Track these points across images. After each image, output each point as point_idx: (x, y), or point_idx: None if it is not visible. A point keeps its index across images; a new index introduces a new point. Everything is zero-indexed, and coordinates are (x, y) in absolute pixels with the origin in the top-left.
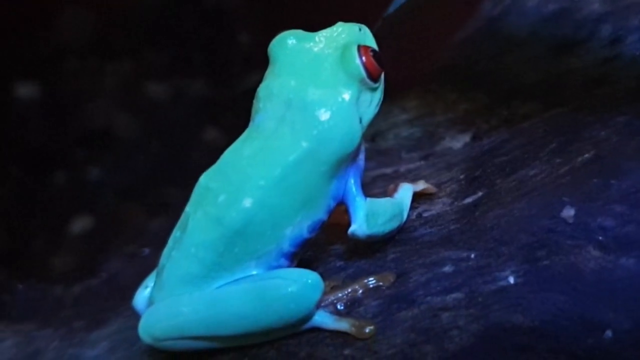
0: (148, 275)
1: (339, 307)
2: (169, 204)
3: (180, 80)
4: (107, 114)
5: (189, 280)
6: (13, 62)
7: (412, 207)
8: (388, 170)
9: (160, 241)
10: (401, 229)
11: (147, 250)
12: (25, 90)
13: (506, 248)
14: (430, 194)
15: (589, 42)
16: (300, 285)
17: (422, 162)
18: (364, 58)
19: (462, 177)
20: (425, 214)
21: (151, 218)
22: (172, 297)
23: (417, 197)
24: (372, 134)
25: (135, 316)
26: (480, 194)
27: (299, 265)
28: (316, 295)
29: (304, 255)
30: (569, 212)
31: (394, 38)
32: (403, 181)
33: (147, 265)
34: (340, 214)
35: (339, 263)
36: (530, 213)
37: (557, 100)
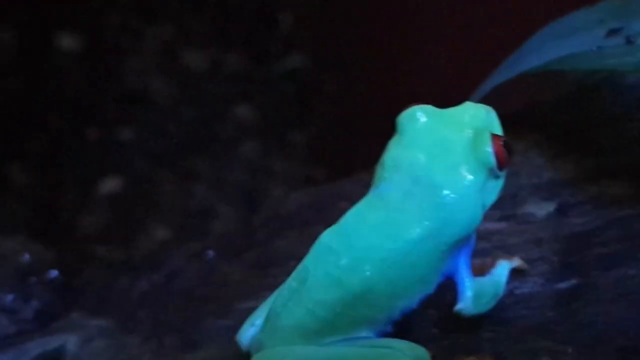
0: (254, 310)
1: None
2: (198, 174)
3: (218, 52)
4: (144, 76)
5: (302, 333)
6: (59, 11)
7: None
8: None
9: (219, 244)
10: (495, 306)
11: (211, 253)
12: (68, 41)
13: (603, 348)
14: (522, 270)
15: None
16: (409, 357)
17: (504, 224)
18: (495, 147)
19: (555, 258)
20: (517, 292)
21: (181, 187)
22: (284, 347)
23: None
24: None
25: (232, 346)
26: (574, 282)
27: (395, 328)
28: None
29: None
30: None
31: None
32: (500, 257)
33: (211, 269)
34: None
35: (434, 331)
36: (630, 316)
37: None
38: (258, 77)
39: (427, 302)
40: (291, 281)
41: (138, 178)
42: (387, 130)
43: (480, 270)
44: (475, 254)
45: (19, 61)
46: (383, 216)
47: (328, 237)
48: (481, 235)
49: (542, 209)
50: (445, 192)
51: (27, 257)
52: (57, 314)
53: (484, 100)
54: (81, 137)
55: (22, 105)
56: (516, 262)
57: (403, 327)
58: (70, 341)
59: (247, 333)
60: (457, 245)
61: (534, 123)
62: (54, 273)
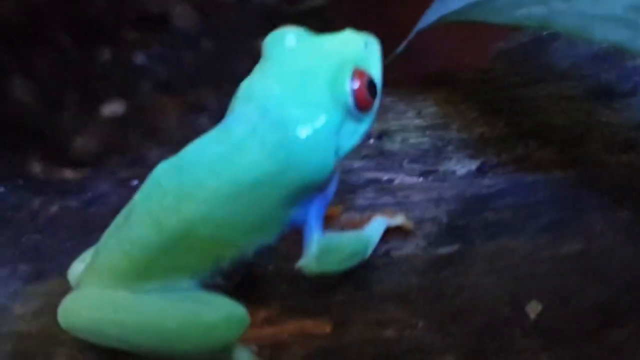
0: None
1: (263, 348)
2: (205, 107)
3: None
4: (166, 1)
5: (118, 274)
6: None
7: (383, 240)
8: (384, 177)
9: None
10: (364, 264)
11: (136, 182)
12: None
13: (457, 327)
14: (407, 231)
15: (632, 96)
16: (223, 318)
17: (420, 179)
18: (356, 85)
19: (445, 220)
20: (393, 253)
21: (182, 117)
22: (97, 289)
23: (393, 229)
24: (380, 132)
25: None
26: (456, 247)
27: (242, 280)
28: (237, 332)
29: (252, 270)
30: (534, 308)
31: (427, 31)
32: (385, 213)
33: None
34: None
35: (284, 288)
36: (495, 294)
37: (577, 153)
38: (285, 13)
39: (285, 256)
40: (120, 216)
41: (142, 104)
42: None
43: (354, 226)
44: (374, 207)
45: None
46: (222, 152)
47: (162, 169)
48: (389, 188)
49: (464, 167)
50: (291, 130)
51: None
52: None
53: (426, 42)
54: (91, 57)
55: (35, 20)
56: (398, 220)
57: (251, 280)
58: None
59: (77, 269)
60: (305, 194)
61: (475, 75)
62: None
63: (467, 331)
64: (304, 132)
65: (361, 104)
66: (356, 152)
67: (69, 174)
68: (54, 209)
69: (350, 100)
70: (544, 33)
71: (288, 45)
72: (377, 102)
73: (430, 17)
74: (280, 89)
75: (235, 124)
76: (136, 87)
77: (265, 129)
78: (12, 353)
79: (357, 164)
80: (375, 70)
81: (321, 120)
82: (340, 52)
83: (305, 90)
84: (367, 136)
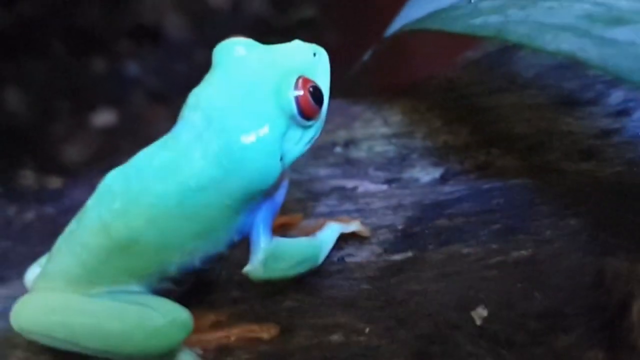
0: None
1: (208, 351)
2: None
3: None
4: (161, 11)
5: (69, 278)
6: None
7: (338, 247)
8: (349, 185)
9: None
10: (317, 270)
11: None
12: None
13: (404, 332)
14: (363, 237)
15: (594, 105)
16: (167, 322)
17: (385, 187)
18: (299, 93)
19: (401, 227)
20: (348, 259)
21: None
22: (48, 292)
23: (348, 236)
24: (347, 140)
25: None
26: (409, 254)
27: (193, 286)
28: (180, 336)
29: (203, 276)
30: (481, 313)
31: (397, 41)
32: (340, 220)
33: None
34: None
35: (235, 293)
36: (443, 299)
37: (538, 161)
38: (277, 24)
39: (238, 263)
40: (73, 221)
41: (134, 113)
42: None
43: (308, 232)
44: (334, 215)
45: None
46: (168, 159)
47: (112, 177)
48: (352, 196)
49: (427, 175)
50: (234, 138)
51: None
52: None
53: (396, 51)
54: (84, 67)
55: (29, 30)
56: (353, 227)
57: (201, 286)
58: None
59: (32, 273)
60: (251, 201)
61: (441, 84)
62: None
63: (413, 336)
64: (246, 139)
65: (306, 112)
66: (323, 160)
67: (51, 182)
68: (29, 216)
69: (294, 107)
70: (509, 43)
71: (236, 54)
72: (323, 110)
73: (395, 25)
74: (226, 97)
75: (182, 132)
76: (128, 96)
77: (210, 137)
78: None
79: (323, 172)
80: (322, 79)
81: (264, 127)
82: (287, 61)
83: (249, 98)
84: (333, 144)
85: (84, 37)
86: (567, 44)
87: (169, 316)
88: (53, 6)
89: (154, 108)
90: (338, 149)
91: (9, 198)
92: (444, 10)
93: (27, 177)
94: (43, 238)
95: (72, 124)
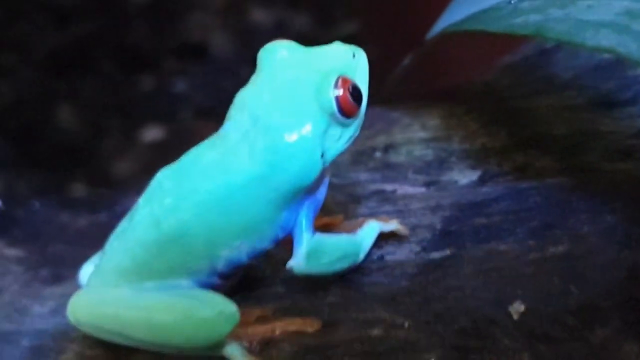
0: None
1: (254, 343)
2: None
3: (285, 12)
4: (207, 30)
5: (121, 273)
6: None
7: (378, 246)
8: (388, 188)
9: None
10: (358, 268)
11: None
12: None
13: (442, 327)
14: (402, 236)
15: (632, 105)
16: (214, 314)
17: (423, 189)
18: (339, 92)
19: (439, 226)
20: (387, 257)
21: None
22: (102, 286)
23: (388, 235)
24: (386, 145)
25: None
26: (447, 252)
27: (240, 281)
28: (227, 328)
29: (249, 272)
30: (518, 308)
31: (437, 47)
32: (379, 219)
33: None
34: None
35: (280, 289)
36: (481, 295)
37: (576, 161)
38: (320, 40)
39: (283, 260)
40: (125, 219)
41: (182, 129)
42: None
43: (348, 231)
44: (374, 216)
45: (87, 6)
46: (216, 157)
47: (163, 174)
48: (391, 198)
49: (465, 177)
50: (278, 136)
51: None
52: None
53: (435, 56)
54: (133, 84)
55: (81, 49)
56: (392, 226)
57: (247, 283)
58: None
59: (87, 270)
60: (295, 197)
61: (478, 88)
62: None
63: (451, 330)
64: (289, 137)
65: (345, 110)
66: (363, 165)
67: (102, 194)
68: (82, 222)
69: (334, 106)
70: (548, 45)
71: (279, 56)
72: (362, 108)
73: (436, 29)
74: (269, 97)
75: (230, 131)
76: (176, 112)
77: (255, 135)
78: (29, 348)
79: (363, 176)
80: (361, 79)
81: (306, 126)
82: (327, 62)
83: (292, 97)
84: (373, 149)
85: (133, 56)
86: (607, 40)
87: (217, 308)
88: (104, 26)
89: (201, 123)
90: (378, 154)
91: (63, 207)
92: (484, 12)
93: (79, 190)
94: (95, 241)
95: (121, 140)
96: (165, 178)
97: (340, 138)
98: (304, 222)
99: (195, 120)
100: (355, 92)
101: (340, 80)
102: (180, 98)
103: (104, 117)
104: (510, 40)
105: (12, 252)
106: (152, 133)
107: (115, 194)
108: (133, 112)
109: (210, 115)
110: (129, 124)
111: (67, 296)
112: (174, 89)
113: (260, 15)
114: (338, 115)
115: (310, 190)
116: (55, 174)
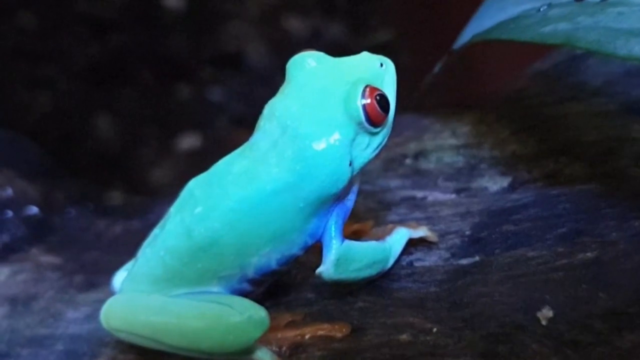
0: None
1: (283, 348)
2: None
3: (320, 21)
4: (243, 39)
5: (153, 280)
6: None
7: (408, 252)
8: (419, 195)
9: None
10: (387, 274)
11: None
12: (174, 2)
13: (471, 332)
14: (431, 243)
15: None
16: (244, 319)
17: (453, 196)
18: (366, 101)
19: (468, 233)
20: (417, 264)
21: None
22: (134, 293)
23: (417, 242)
24: (417, 152)
25: None
26: (477, 258)
27: (270, 287)
28: (257, 333)
29: (281, 278)
30: (546, 313)
31: (467, 54)
32: (409, 225)
33: None
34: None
35: (310, 295)
36: (510, 301)
37: (606, 168)
38: (355, 48)
39: (312, 266)
40: (157, 227)
41: (218, 137)
42: None
43: (378, 237)
44: (404, 222)
45: (125, 18)
46: (247, 166)
47: (194, 183)
48: (421, 205)
49: (496, 184)
50: (307, 144)
51: (9, 191)
52: (19, 248)
53: (466, 64)
54: (169, 94)
55: (119, 60)
56: (421, 232)
57: (277, 289)
58: (3, 272)
59: (120, 277)
60: (324, 205)
61: (509, 95)
62: (32, 209)
63: (480, 336)
64: (318, 145)
65: (373, 119)
66: (393, 172)
67: (138, 202)
68: (117, 229)
69: (361, 115)
70: (578, 52)
71: (308, 66)
72: (390, 117)
73: (464, 37)
74: (298, 107)
75: (259, 140)
76: (212, 121)
77: (284, 144)
78: (63, 352)
79: (393, 183)
80: (389, 88)
81: (334, 134)
82: (355, 71)
83: (320, 107)
84: (404, 156)
85: (170, 66)
86: (638, 48)
87: (246, 313)
88: (141, 37)
89: (236, 132)
90: (408, 161)
91: (99, 214)
92: (512, 20)
93: (116, 198)
94: (129, 248)
95: (158, 148)
96: (196, 187)
97: (368, 146)
98: (333, 229)
99: (231, 129)
100: (383, 101)
101: (367, 90)
102: (216, 107)
103: (141, 126)
104: (540, 46)
105: (48, 259)
106: (188, 141)
107: (149, 201)
108: (170, 121)
109: (245, 123)
110: (165, 132)
111: (100, 302)
112: (210, 98)
113: (295, 25)
114: (365, 124)
115: (339, 197)
116: (93, 182)
